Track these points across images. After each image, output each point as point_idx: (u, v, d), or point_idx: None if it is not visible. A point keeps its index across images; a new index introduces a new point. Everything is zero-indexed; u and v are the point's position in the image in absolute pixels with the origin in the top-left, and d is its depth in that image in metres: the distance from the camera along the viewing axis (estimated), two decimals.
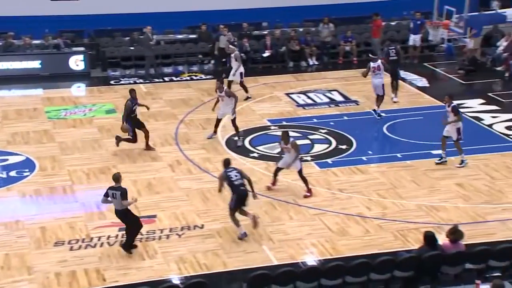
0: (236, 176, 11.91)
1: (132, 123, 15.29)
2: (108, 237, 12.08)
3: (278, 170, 13.57)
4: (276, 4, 23.89)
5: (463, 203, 13.11)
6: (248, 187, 11.97)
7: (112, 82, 20.64)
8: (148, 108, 16.06)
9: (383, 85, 17.08)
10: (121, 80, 20.78)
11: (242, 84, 18.47)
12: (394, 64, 17.94)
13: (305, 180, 13.44)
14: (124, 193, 11.14)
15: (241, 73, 18.39)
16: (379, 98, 17.18)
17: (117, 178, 11.31)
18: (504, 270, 10.29)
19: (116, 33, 22.62)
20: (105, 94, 19.62)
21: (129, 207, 11.38)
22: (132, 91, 15.43)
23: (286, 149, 13.39)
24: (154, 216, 12.76)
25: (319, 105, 18.43)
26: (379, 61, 17.17)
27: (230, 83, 18.22)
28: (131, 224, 11.45)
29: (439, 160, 14.61)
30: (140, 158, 15.30)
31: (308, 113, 17.81)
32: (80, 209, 13.07)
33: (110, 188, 11.27)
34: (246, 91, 18.53)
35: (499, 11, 17.61)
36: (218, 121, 15.93)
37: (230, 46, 19.59)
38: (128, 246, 11.49)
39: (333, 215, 12.75)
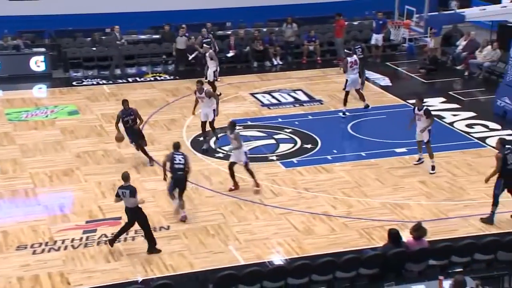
0: (180, 161, 12.36)
1: (132, 134, 14.64)
2: (72, 240, 11.93)
3: (231, 167, 13.54)
4: (239, 4, 23.88)
5: (426, 201, 13.31)
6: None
7: (74, 83, 20.38)
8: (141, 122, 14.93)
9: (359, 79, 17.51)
10: (83, 81, 20.52)
11: (212, 83, 18.33)
12: (361, 62, 18.19)
13: (251, 173, 13.55)
14: (133, 191, 11.34)
15: (214, 72, 18.33)
16: (358, 93, 17.59)
17: (126, 177, 11.48)
18: (465, 266, 10.49)
19: (77, 34, 22.34)
20: (67, 96, 19.35)
21: (140, 205, 11.49)
22: (124, 102, 14.61)
23: (230, 138, 13.60)
24: (119, 218, 12.62)
25: (284, 104, 18.50)
26: (355, 56, 17.49)
27: (210, 83, 18.09)
28: (141, 221, 11.49)
29: (417, 161, 14.73)
30: (104, 160, 15.13)
31: (273, 113, 17.86)
32: (43, 212, 12.88)
33: (120, 187, 11.48)
34: (214, 90, 18.46)
35: (458, 11, 17.94)
36: (204, 123, 15.38)
37: (204, 45, 19.55)
38: (153, 246, 11.50)
39: (299, 214, 12.82)
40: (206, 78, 18.19)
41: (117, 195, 11.54)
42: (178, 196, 12.58)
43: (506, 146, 12.36)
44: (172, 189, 12.65)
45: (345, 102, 17.38)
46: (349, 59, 17.23)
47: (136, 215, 11.48)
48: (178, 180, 12.48)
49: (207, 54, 18.51)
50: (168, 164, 12.56)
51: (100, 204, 13.21)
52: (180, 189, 12.53)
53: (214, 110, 15.26)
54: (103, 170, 14.62)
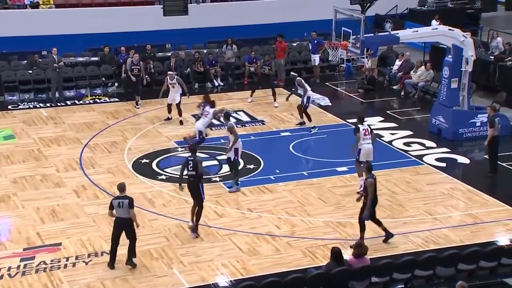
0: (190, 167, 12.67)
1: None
2: (9, 268, 11.56)
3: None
4: (179, 26, 23.90)
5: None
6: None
7: (9, 107, 19.87)
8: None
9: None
10: (19, 105, 20.04)
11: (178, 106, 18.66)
12: (270, 78, 20.00)
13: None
14: (131, 202, 11.40)
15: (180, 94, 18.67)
16: (305, 112, 18.04)
17: (122, 188, 11.55)
18: (406, 282, 10.70)
19: (12, 57, 21.83)
20: (2, 120, 18.86)
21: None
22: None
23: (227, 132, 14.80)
24: (59, 244, 12.34)
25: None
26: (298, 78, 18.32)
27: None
28: (132, 234, 11.54)
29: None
30: (43, 185, 14.77)
31: (215, 134, 17.87)
32: None
33: (116, 198, 11.52)
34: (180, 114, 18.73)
35: (392, 32, 18.50)
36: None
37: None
38: (133, 257, 11.65)
39: (243, 235, 12.81)
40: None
41: (111, 207, 11.46)
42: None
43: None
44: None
45: (309, 118, 17.82)
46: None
47: (130, 227, 11.50)
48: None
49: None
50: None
51: (38, 230, 12.86)
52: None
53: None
54: (41, 195, 14.27)
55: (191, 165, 12.62)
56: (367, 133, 14.38)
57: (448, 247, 12.14)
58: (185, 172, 12.75)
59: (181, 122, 18.39)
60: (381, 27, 25.63)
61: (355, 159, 14.52)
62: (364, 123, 14.64)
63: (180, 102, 18.36)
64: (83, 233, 12.79)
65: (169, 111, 18.49)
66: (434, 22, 23.92)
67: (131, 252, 11.68)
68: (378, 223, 12.49)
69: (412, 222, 13.42)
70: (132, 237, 11.61)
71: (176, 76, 18.39)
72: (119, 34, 22.96)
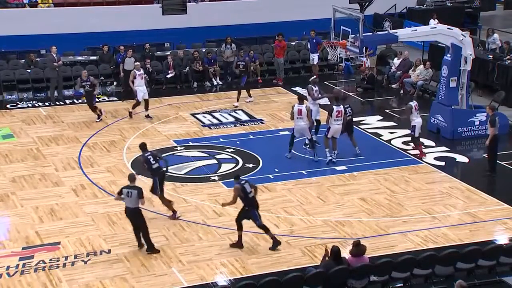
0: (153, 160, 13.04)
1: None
2: (8, 267, 11.55)
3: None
4: (178, 25, 23.90)
5: (367, 217, 13.55)
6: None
7: (8, 106, 19.85)
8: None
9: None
10: (18, 104, 20.02)
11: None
12: (241, 76, 19.56)
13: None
14: (140, 192, 11.66)
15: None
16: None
17: (133, 178, 11.89)
18: (405, 281, 10.71)
19: (11, 56, 21.80)
20: (1, 119, 18.84)
21: (141, 207, 11.83)
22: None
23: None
24: (58, 243, 12.34)
25: (225, 124, 18.55)
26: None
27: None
28: (141, 223, 11.83)
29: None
30: (41, 184, 14.76)
31: (214, 133, 17.87)
32: None
33: (125, 187, 11.77)
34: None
35: (391, 31, 18.51)
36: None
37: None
38: (152, 246, 11.97)
39: (242, 234, 12.79)
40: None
41: (120, 193, 11.78)
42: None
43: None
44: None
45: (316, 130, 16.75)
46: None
47: (138, 217, 11.75)
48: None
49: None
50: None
51: (37, 229, 12.85)
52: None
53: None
54: (40, 195, 14.26)
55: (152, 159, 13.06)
56: (339, 114, 15.56)
57: (447, 246, 12.14)
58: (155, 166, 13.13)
59: (148, 116, 18.44)
60: (380, 26, 25.63)
61: (324, 135, 15.81)
62: (339, 104, 15.72)
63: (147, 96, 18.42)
64: (82, 232, 12.78)
65: (146, 107, 18.51)
66: (432, 21, 23.92)
67: (148, 243, 11.97)
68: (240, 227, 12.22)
69: (411, 221, 13.43)
70: (142, 227, 11.90)
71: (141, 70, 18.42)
72: (118, 33, 22.95)
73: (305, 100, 16.40)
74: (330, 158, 15.83)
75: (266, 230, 12.27)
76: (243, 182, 12.13)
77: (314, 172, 15.50)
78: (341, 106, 15.79)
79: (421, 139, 17.45)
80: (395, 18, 26.73)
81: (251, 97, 20.17)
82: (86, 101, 18.95)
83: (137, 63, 18.99)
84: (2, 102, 20.18)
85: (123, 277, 11.38)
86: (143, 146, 13.32)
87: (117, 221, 13.13)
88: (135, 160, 15.91)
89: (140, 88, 18.34)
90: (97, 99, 19.16)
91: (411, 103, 16.26)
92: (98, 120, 18.46)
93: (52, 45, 20.32)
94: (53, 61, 20.08)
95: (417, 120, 16.15)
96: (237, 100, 19.72)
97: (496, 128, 15.31)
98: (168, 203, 13.29)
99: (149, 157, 13.15)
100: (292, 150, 16.20)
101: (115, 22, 23.20)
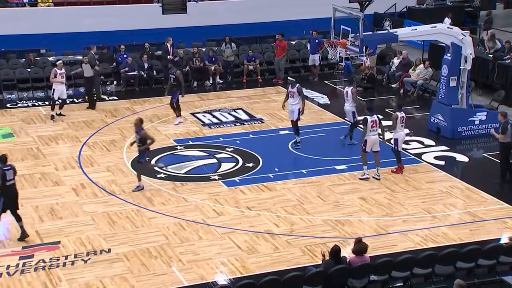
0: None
1: None
2: (8, 266, 11.55)
3: None
4: (178, 24, 23.89)
5: (367, 217, 13.55)
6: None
7: (8, 105, 19.85)
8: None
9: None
10: (18, 103, 20.02)
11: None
12: (174, 90, 17.77)
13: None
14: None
15: None
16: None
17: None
18: (405, 280, 10.72)
19: (11, 55, 21.79)
20: (1, 118, 18.83)
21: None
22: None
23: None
24: (58, 243, 12.34)
25: (225, 124, 18.54)
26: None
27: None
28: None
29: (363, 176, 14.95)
30: (41, 183, 14.76)
31: (214, 132, 17.87)
32: None
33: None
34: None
35: (391, 30, 18.49)
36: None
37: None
38: None
39: (242, 233, 12.81)
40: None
41: None
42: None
43: None
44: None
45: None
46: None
47: None
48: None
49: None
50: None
51: (37, 229, 12.85)
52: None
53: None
54: (40, 194, 14.25)
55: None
56: (374, 124, 14.84)
57: (447, 245, 12.15)
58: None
59: (60, 115, 18.34)
60: (380, 26, 25.61)
61: (362, 150, 14.90)
62: (373, 114, 15.00)
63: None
64: (82, 231, 12.78)
65: (61, 106, 18.57)
66: (447, 20, 23.87)
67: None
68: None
69: (411, 220, 13.43)
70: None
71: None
72: (118, 32, 22.95)
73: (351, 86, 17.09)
74: (367, 176, 14.82)
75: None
76: None
77: (314, 171, 15.49)
78: (375, 116, 14.99)
79: (421, 139, 17.49)
80: (395, 18, 26.73)
81: (180, 117, 18.17)
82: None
83: (60, 61, 18.78)
84: (2, 101, 20.17)
85: (123, 276, 11.38)
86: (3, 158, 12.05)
87: (117, 221, 13.13)
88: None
89: (59, 87, 18.24)
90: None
91: (398, 113, 15.28)
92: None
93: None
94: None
95: (400, 133, 15.26)
96: (177, 116, 18.10)
97: (508, 136, 14.84)
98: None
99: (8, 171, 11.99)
100: (291, 149, 16.18)
101: (115, 21, 23.20)
